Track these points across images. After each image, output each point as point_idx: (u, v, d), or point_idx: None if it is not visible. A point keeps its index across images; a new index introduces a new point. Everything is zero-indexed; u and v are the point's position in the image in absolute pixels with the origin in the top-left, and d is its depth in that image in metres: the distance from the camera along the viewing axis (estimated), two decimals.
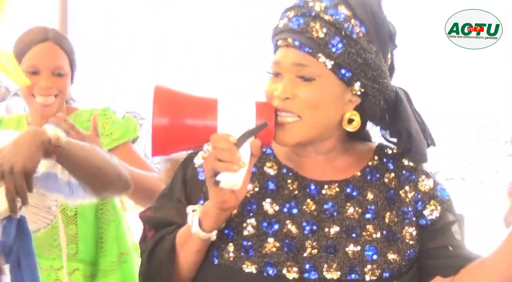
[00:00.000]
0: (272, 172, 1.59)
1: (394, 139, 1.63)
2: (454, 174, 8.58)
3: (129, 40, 6.21)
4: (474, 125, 9.20)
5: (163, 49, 7.14)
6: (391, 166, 1.60)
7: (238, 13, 7.42)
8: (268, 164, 1.60)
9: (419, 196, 1.58)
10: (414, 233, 1.56)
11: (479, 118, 9.19)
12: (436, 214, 1.57)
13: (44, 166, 1.87)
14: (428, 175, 1.60)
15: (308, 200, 1.56)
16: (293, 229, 1.54)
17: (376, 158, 1.61)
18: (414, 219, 1.57)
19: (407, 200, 1.57)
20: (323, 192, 1.56)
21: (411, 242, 1.56)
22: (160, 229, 1.60)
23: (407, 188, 1.58)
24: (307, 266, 1.51)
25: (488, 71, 9.08)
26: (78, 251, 2.58)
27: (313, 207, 1.55)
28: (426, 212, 1.57)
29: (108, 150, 2.52)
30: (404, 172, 1.59)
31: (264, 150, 1.55)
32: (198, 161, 1.62)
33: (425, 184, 1.59)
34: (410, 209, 1.57)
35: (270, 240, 1.53)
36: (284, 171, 1.59)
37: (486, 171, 8.60)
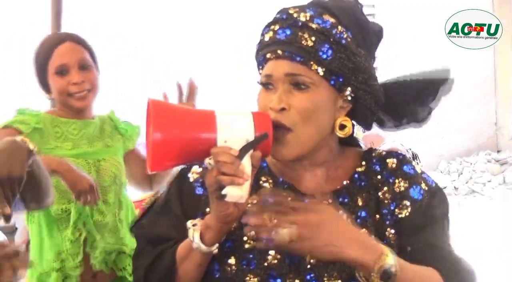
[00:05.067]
0: (268, 185, 1.59)
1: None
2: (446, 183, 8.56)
3: (120, 43, 6.17)
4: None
5: (158, 52, 7.14)
6: (378, 168, 1.60)
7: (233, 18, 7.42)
8: (263, 178, 1.59)
9: (393, 196, 1.57)
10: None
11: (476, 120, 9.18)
12: (406, 213, 1.55)
13: None
14: (405, 177, 1.58)
15: None
16: None
17: (363, 163, 1.61)
18: (392, 219, 1.55)
19: (386, 201, 1.56)
20: None
21: (395, 243, 1.54)
22: (156, 245, 1.57)
23: (385, 188, 1.57)
24: (308, 277, 1.51)
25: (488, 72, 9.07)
26: None
27: None
28: (397, 211, 1.56)
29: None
30: (385, 173, 1.59)
31: None
32: (192, 176, 1.61)
33: (400, 186, 1.57)
34: (387, 210, 1.56)
35: (271, 252, 1.52)
36: (280, 184, 1.58)
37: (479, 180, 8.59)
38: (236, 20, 7.26)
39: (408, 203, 1.56)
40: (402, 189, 1.57)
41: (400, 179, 1.58)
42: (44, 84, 2.67)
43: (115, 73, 5.70)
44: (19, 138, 1.78)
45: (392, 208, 1.56)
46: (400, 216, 1.55)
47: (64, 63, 2.60)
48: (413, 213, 1.55)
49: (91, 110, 2.73)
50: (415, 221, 1.55)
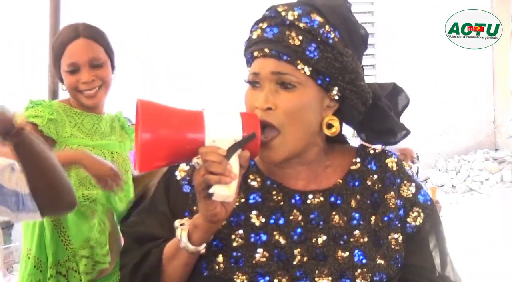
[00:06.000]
0: (256, 184, 1.59)
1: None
2: (444, 181, 8.55)
3: (120, 44, 6.22)
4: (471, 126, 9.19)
5: (158, 52, 7.13)
6: (374, 167, 1.60)
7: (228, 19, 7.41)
8: (251, 176, 1.59)
9: (402, 202, 1.58)
10: (400, 238, 1.57)
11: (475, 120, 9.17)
12: (420, 220, 1.58)
13: None
14: (410, 179, 1.60)
15: (295, 211, 1.56)
16: (281, 239, 1.53)
17: (358, 160, 1.61)
18: (399, 225, 1.57)
19: (392, 205, 1.57)
20: (308, 202, 1.56)
21: (396, 248, 1.56)
22: (143, 243, 1.58)
23: (392, 193, 1.58)
24: (298, 274, 1.51)
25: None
26: None
27: (300, 217, 1.55)
28: (410, 219, 1.58)
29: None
30: (388, 174, 1.59)
31: None
32: (179, 174, 1.61)
33: (407, 190, 1.59)
34: (394, 215, 1.57)
35: (259, 250, 1.53)
36: (268, 183, 1.58)
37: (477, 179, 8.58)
38: (236, 20, 7.26)
39: (420, 210, 1.59)
40: (410, 195, 1.59)
41: (405, 182, 1.60)
42: (60, 77, 2.70)
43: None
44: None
45: (401, 214, 1.58)
46: (414, 224, 1.58)
47: (74, 62, 2.62)
48: (426, 219, 1.59)
49: (103, 105, 2.76)
50: (429, 228, 1.59)
